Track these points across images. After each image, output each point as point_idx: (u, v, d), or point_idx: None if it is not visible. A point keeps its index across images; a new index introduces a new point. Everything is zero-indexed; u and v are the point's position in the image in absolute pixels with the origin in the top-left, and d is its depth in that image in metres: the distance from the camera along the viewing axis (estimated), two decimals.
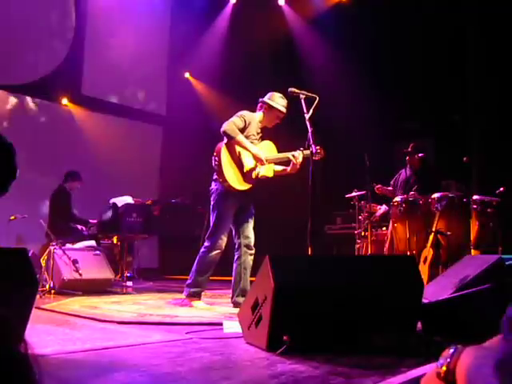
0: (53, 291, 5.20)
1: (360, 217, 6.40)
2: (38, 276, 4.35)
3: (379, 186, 6.19)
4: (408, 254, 5.41)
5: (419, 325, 2.96)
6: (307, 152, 4.00)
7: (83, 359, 2.38)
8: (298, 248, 5.97)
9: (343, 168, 7.70)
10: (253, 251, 4.43)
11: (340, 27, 8.50)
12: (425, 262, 5.21)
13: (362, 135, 7.51)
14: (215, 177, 4.38)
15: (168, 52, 10.43)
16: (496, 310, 2.73)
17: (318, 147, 3.86)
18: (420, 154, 6.11)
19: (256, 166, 4.39)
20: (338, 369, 2.19)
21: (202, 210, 7.34)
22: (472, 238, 5.24)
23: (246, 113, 4.43)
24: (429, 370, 0.94)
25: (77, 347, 2.59)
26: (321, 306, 2.59)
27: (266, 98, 4.51)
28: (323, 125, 5.29)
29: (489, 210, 5.32)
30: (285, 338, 2.42)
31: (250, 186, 4.37)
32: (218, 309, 4.35)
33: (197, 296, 4.45)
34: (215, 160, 4.31)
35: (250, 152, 4.34)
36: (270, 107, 4.47)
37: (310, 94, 4.04)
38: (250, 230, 4.45)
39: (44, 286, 5.24)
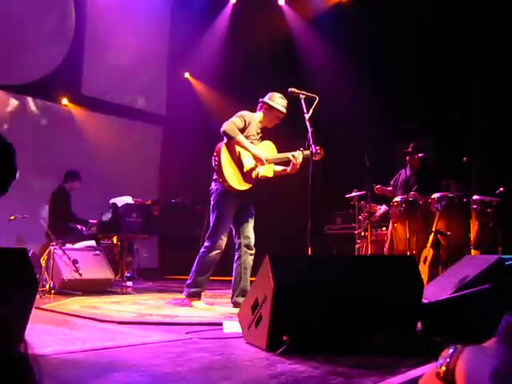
0: (53, 291, 5.20)
1: (360, 217, 6.40)
2: (38, 276, 4.36)
3: (379, 186, 6.19)
4: (408, 254, 5.41)
5: (419, 325, 2.96)
6: (307, 152, 4.00)
7: (83, 359, 2.38)
8: (298, 248, 5.97)
9: (343, 168, 7.70)
10: (253, 251, 4.43)
11: (340, 27, 8.50)
12: (425, 262, 5.21)
13: (362, 135, 7.51)
14: (215, 177, 4.38)
15: (168, 52, 10.43)
16: (496, 310, 2.73)
17: (317, 147, 3.86)
18: (420, 154, 6.11)
19: (256, 165, 4.39)
20: (338, 369, 2.19)
21: (202, 210, 7.34)
22: (472, 238, 5.24)
23: (245, 113, 4.43)
24: (428, 369, 0.94)
25: (77, 347, 2.59)
26: (321, 305, 2.59)
27: (266, 98, 4.51)
28: (323, 125, 5.29)
29: (489, 210, 5.32)
30: (285, 338, 2.42)
31: (250, 185, 4.37)
32: (217, 309, 4.35)
33: (197, 296, 4.45)
34: (215, 160, 4.31)
35: (250, 152, 4.34)
36: (270, 107, 4.47)
37: (309, 94, 4.04)
38: (250, 230, 4.45)
39: (44, 285, 5.24)
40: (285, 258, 2.75)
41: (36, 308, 3.09)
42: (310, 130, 3.88)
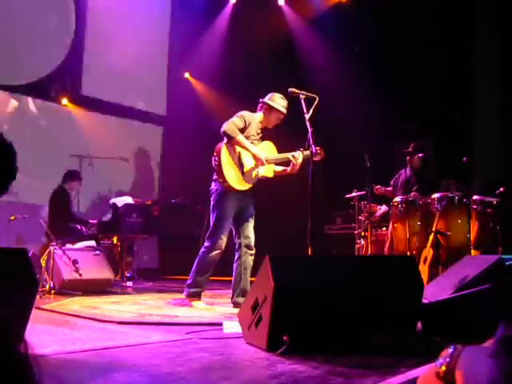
0: (53, 291, 5.20)
1: (360, 217, 6.39)
2: (37, 276, 4.35)
3: (378, 186, 6.19)
4: (408, 254, 5.41)
5: (419, 325, 2.96)
6: (307, 153, 4.00)
7: (83, 359, 2.38)
8: (298, 248, 5.97)
9: (343, 168, 7.70)
10: (253, 251, 4.43)
11: (340, 27, 8.50)
12: (425, 262, 5.20)
13: (362, 135, 7.51)
14: (215, 177, 4.37)
15: (168, 52, 10.42)
16: (496, 310, 2.73)
17: (317, 148, 3.86)
18: (420, 154, 6.11)
19: (256, 166, 4.39)
20: (338, 369, 2.19)
21: (202, 210, 7.34)
22: (472, 238, 5.24)
23: (246, 113, 4.43)
24: (426, 369, 0.94)
25: (76, 347, 2.59)
26: (321, 306, 2.59)
27: (266, 99, 4.51)
28: (323, 125, 5.29)
29: (489, 210, 5.32)
30: (285, 338, 2.42)
31: (250, 186, 4.37)
32: (217, 309, 4.35)
33: (197, 296, 4.45)
34: (215, 160, 4.31)
35: (250, 152, 4.34)
36: (271, 108, 4.46)
37: (309, 94, 4.04)
38: (250, 230, 4.45)
39: (44, 286, 5.24)
40: (285, 258, 2.76)
41: (36, 308, 3.09)
42: (309, 131, 3.88)
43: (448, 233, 5.30)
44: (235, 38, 9.53)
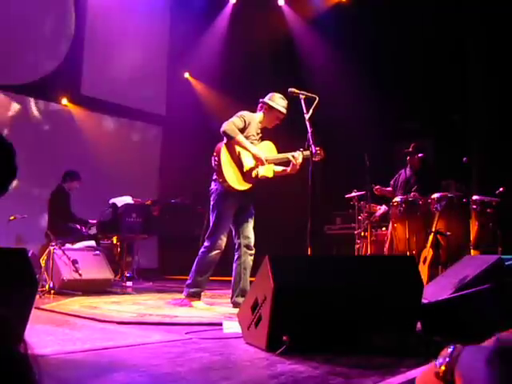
0: (52, 291, 5.20)
1: (360, 217, 6.40)
2: (37, 276, 4.35)
3: (378, 186, 6.19)
4: (408, 254, 5.41)
5: (419, 325, 2.96)
6: (307, 153, 4.00)
7: (83, 359, 2.38)
8: (297, 248, 5.97)
9: (343, 168, 7.70)
10: (253, 251, 4.43)
11: (340, 27, 8.50)
12: (424, 262, 5.21)
13: (362, 135, 7.51)
14: (215, 177, 4.37)
15: (168, 52, 10.43)
16: (496, 310, 2.73)
17: (317, 148, 3.86)
18: (420, 154, 6.11)
19: (256, 166, 4.39)
20: (338, 369, 2.19)
21: (202, 210, 7.34)
22: (472, 238, 5.24)
23: (245, 113, 4.43)
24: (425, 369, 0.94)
25: (76, 347, 2.59)
26: (321, 306, 2.59)
27: (266, 99, 4.51)
28: (323, 125, 5.29)
29: (488, 210, 5.32)
30: (284, 338, 2.42)
31: (250, 186, 4.37)
32: (217, 309, 4.35)
33: (196, 296, 4.45)
34: (215, 160, 4.31)
35: (250, 152, 4.34)
36: (270, 108, 4.47)
37: (309, 95, 4.04)
38: (249, 230, 4.45)
39: (44, 286, 5.24)
40: (285, 258, 2.75)
41: (36, 308, 3.09)
42: (309, 131, 3.88)
43: (448, 233, 5.30)
44: (235, 38, 9.54)
